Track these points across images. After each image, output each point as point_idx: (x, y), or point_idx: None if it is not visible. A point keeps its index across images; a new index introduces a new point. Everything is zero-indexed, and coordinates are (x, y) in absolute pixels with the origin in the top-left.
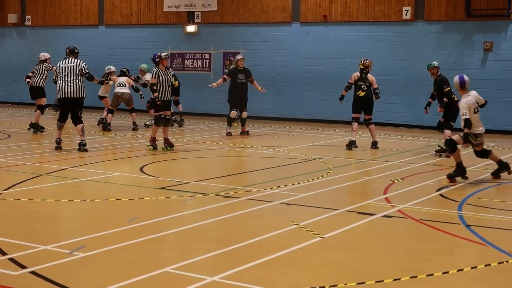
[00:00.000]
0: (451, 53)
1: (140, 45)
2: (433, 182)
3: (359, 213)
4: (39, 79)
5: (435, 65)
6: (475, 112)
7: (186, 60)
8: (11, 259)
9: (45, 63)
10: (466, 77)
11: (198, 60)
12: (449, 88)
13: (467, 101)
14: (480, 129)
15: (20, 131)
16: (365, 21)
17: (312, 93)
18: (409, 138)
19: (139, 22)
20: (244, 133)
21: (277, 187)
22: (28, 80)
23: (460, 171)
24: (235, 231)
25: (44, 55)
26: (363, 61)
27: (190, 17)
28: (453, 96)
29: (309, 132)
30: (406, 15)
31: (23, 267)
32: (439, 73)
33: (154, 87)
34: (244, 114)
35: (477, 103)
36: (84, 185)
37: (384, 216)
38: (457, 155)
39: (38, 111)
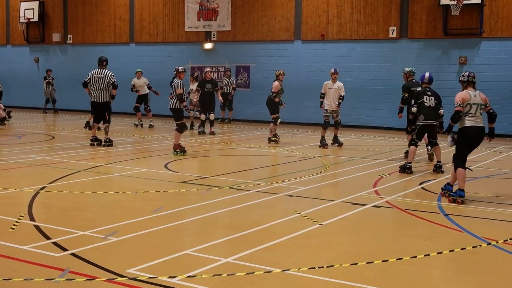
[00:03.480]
0: (431, 67)
1: (165, 60)
2: (416, 177)
3: (352, 203)
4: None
5: (403, 71)
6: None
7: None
8: (54, 243)
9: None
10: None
11: (215, 73)
12: (405, 94)
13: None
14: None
15: (63, 133)
16: (357, 39)
17: (311, 101)
18: (394, 139)
19: (164, 40)
20: (211, 133)
21: (282, 181)
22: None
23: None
24: (246, 219)
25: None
26: (279, 71)
27: (207, 36)
28: (411, 104)
29: (308, 134)
30: (392, 33)
31: (65, 249)
32: (411, 79)
33: (183, 97)
34: (212, 117)
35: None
36: (116, 179)
37: (374, 206)
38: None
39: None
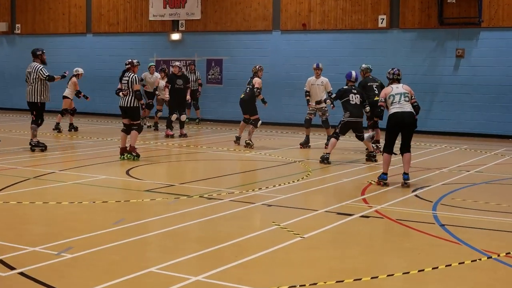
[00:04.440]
0: (425, 60)
1: (127, 52)
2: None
3: (338, 213)
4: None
5: (361, 68)
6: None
7: (171, 67)
8: (0, 261)
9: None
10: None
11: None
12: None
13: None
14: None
15: (9, 136)
16: (342, 29)
17: (292, 98)
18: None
19: (126, 30)
20: (182, 135)
21: (259, 189)
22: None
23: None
24: (219, 232)
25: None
26: (256, 67)
27: (174, 26)
28: (371, 98)
29: (288, 135)
30: (381, 23)
31: (12, 268)
32: (368, 75)
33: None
34: (183, 117)
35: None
36: (71, 188)
37: (362, 216)
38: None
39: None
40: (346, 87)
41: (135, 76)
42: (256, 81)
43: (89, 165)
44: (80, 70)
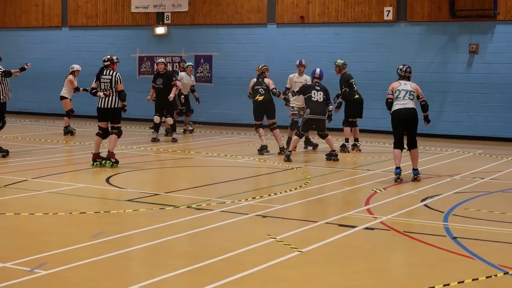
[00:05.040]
0: (436, 56)
1: (106, 48)
2: (417, 192)
3: (340, 225)
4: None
5: (336, 63)
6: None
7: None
8: None
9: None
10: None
11: (169, 64)
12: (346, 89)
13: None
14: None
15: None
16: (344, 22)
17: None
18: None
19: (105, 23)
20: (173, 140)
21: (253, 198)
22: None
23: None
24: (208, 246)
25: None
26: (260, 67)
27: (159, 18)
28: (353, 95)
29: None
30: (387, 16)
31: None
32: (344, 71)
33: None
34: (169, 121)
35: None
36: (46, 197)
37: (366, 228)
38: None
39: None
40: (310, 83)
41: (118, 75)
42: (270, 81)
43: (65, 172)
44: (76, 67)
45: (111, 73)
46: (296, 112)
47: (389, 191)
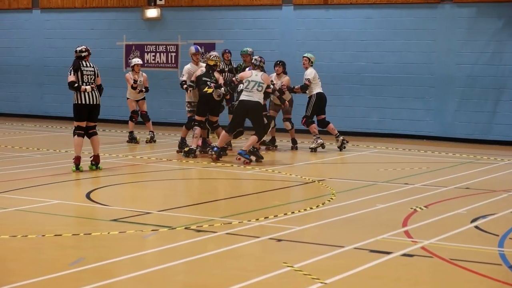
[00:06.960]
0: (488, 44)
1: (86, 34)
2: (466, 210)
3: (371, 251)
4: None
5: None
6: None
7: (146, 54)
8: None
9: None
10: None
11: (162, 54)
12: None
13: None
14: None
15: None
16: (376, 3)
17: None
18: (435, 154)
19: (85, 5)
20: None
21: (265, 218)
22: None
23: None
24: (211, 276)
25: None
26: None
27: None
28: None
29: (303, 145)
30: None
31: None
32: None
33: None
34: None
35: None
36: (13, 216)
37: (404, 255)
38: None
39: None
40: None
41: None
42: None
43: (37, 186)
44: (135, 61)
45: (92, 65)
46: (194, 108)
47: (431, 209)
